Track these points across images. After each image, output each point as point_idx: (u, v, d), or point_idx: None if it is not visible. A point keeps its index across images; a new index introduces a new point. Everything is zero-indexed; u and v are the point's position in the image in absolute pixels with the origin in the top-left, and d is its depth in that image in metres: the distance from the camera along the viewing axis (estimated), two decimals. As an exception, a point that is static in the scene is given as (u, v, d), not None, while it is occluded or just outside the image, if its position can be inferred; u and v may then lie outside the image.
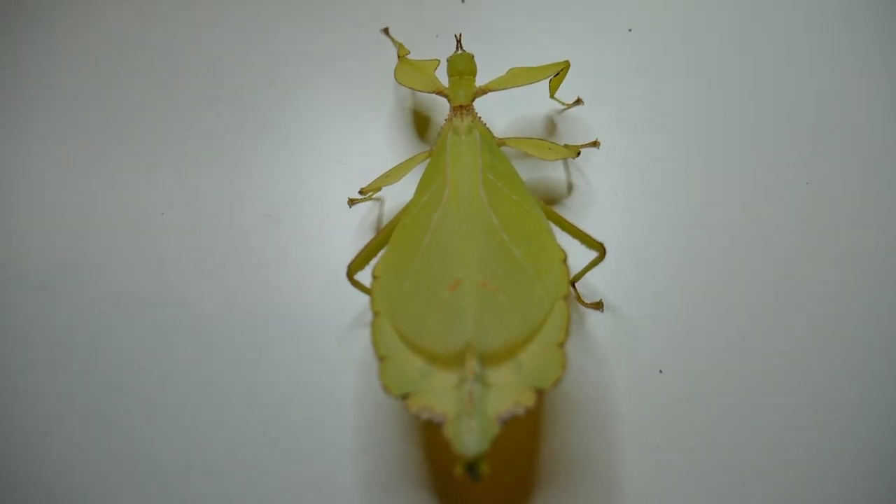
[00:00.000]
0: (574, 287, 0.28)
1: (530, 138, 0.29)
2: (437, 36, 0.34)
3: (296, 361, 0.28)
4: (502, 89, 0.29)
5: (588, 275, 0.27)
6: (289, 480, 0.26)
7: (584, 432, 0.26)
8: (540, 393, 0.21)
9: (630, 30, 0.33)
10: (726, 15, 0.34)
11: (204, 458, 0.26)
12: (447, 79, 0.29)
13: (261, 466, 0.26)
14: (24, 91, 0.34)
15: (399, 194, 0.30)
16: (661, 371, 0.27)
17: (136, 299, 0.29)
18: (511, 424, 0.21)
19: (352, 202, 0.30)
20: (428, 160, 0.28)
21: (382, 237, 0.26)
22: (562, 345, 0.22)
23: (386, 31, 0.34)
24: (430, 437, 0.25)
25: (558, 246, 0.24)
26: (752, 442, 0.25)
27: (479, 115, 0.28)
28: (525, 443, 0.26)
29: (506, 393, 0.21)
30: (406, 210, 0.26)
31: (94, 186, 0.31)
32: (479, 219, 0.24)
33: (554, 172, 0.31)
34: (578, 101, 0.32)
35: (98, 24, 0.35)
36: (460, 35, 0.30)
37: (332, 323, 0.28)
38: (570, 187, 0.30)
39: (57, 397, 0.28)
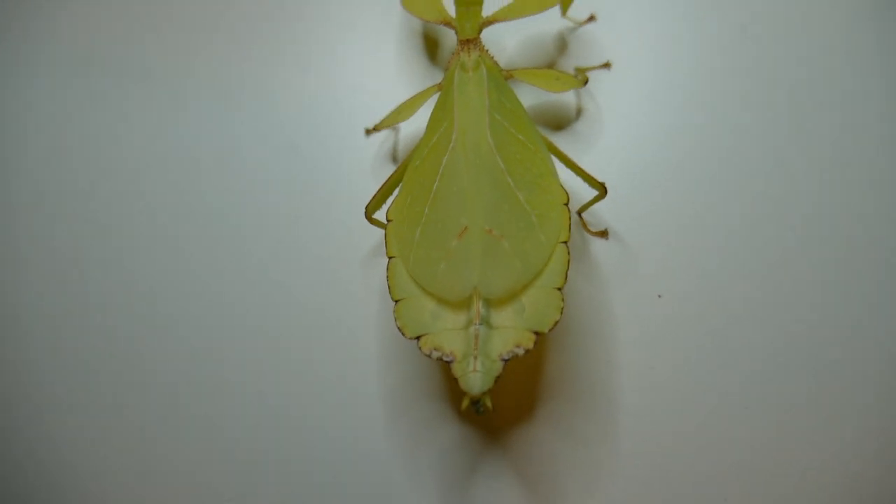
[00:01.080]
0: (580, 216, 0.29)
1: (538, 69, 0.29)
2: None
3: (323, 287, 0.30)
4: (511, 19, 0.29)
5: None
6: (318, 397, 0.29)
7: (586, 351, 0.28)
8: (539, 335, 0.23)
9: (648, -66, 0.32)
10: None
11: (237, 378, 0.30)
12: (453, 7, 0.29)
13: (290, 388, 0.29)
14: (33, 29, 0.35)
15: (413, 122, 0.31)
16: (659, 296, 0.29)
17: (161, 230, 0.31)
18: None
19: (368, 132, 0.31)
20: (437, 95, 0.28)
21: (396, 177, 0.28)
22: (560, 289, 0.24)
23: (393, -57, 0.33)
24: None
25: (561, 188, 0.25)
26: (739, 366, 0.28)
27: (486, 47, 0.28)
28: (531, 360, 0.28)
29: (508, 335, 0.23)
30: (417, 150, 0.27)
31: (108, 121, 0.33)
32: (485, 164, 0.25)
33: (562, 96, 0.31)
34: (592, 18, 0.32)
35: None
36: (467, -40, 0.29)
37: (356, 250, 0.30)
38: (578, 112, 0.31)
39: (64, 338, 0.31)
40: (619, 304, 0.29)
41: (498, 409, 0.28)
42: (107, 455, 0.29)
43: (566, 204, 0.25)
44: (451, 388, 0.28)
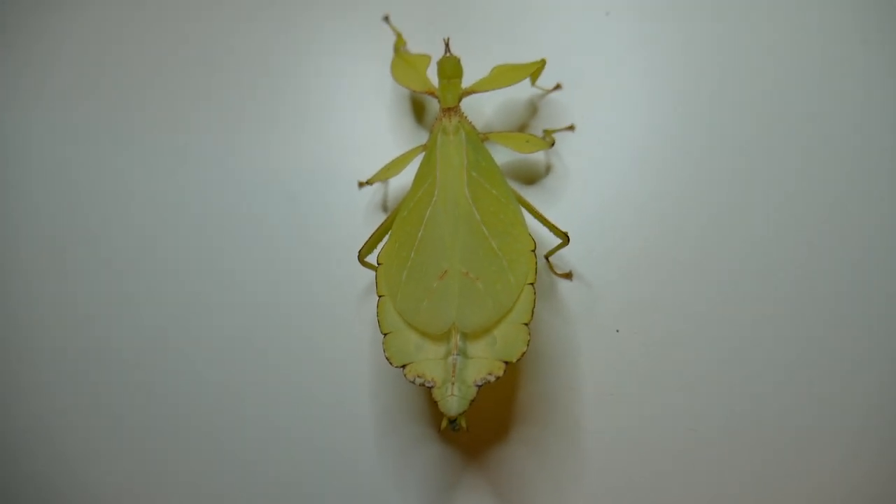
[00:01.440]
0: (548, 260, 0.33)
1: (510, 133, 0.33)
2: (432, 24, 0.37)
3: (320, 321, 0.34)
4: (486, 91, 0.33)
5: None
6: (315, 418, 0.32)
7: (553, 379, 0.32)
8: (508, 364, 0.27)
9: (607, 13, 0.37)
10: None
11: (243, 398, 0.33)
12: (437, 79, 0.33)
13: (290, 410, 0.33)
14: (46, 86, 0.39)
15: (401, 177, 0.35)
16: (617, 330, 0.32)
17: (168, 268, 0.35)
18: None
19: (361, 185, 0.35)
20: (423, 154, 0.32)
21: (386, 226, 0.31)
22: (527, 324, 0.28)
23: (386, 18, 0.38)
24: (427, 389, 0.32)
25: (529, 236, 0.29)
26: (687, 391, 0.31)
27: (465, 113, 0.32)
28: (505, 387, 0.32)
29: (481, 364, 0.27)
30: (405, 202, 0.31)
31: (130, 173, 0.37)
32: (463, 215, 0.29)
33: (534, 154, 0.35)
34: (558, 87, 0.36)
35: (123, 19, 0.39)
36: (448, 39, 0.33)
37: (349, 288, 0.34)
38: (547, 169, 0.35)
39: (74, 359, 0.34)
40: (582, 338, 0.32)
41: (475, 429, 0.31)
42: (110, 464, 0.33)
43: (533, 250, 0.29)
44: (432, 411, 0.32)
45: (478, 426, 0.31)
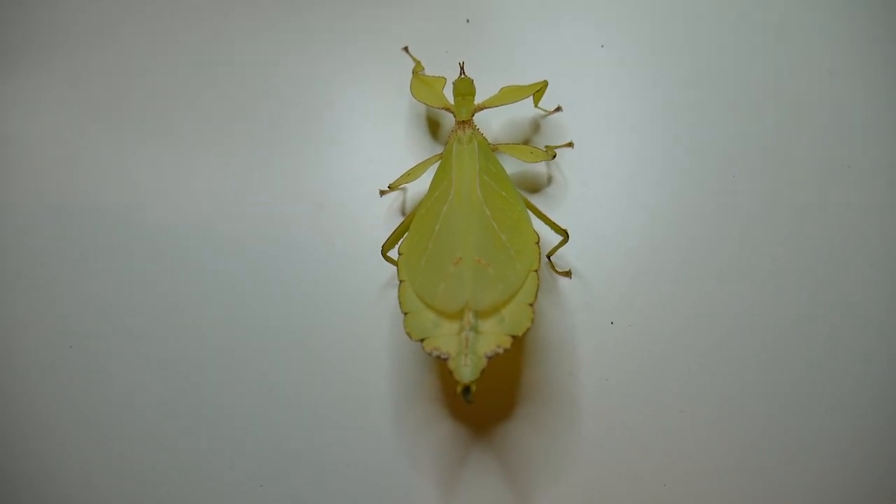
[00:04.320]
0: (549, 259, 0.37)
1: (516, 144, 0.37)
2: (446, 52, 0.42)
3: (344, 314, 0.37)
4: (495, 107, 0.37)
5: (561, 248, 0.36)
6: (338, 397, 0.36)
7: (554, 365, 0.35)
8: (514, 338, 0.30)
9: (602, 46, 0.41)
10: (685, 34, 0.42)
11: (270, 381, 0.36)
12: (452, 97, 0.37)
13: (316, 389, 0.36)
14: (90, 92, 0.43)
15: (417, 185, 0.39)
16: (612, 322, 0.36)
17: (211, 267, 0.39)
18: (500, 359, 0.29)
19: (382, 193, 0.39)
20: (439, 162, 0.36)
21: (406, 223, 0.35)
22: (532, 305, 0.31)
23: (406, 49, 0.42)
24: (440, 367, 0.35)
25: (534, 231, 0.33)
26: (675, 377, 0.35)
27: (477, 126, 0.37)
28: (511, 371, 0.35)
29: (491, 338, 0.30)
30: (422, 202, 0.35)
31: (171, 179, 0.41)
32: (475, 212, 0.33)
33: (537, 167, 0.39)
34: (558, 109, 0.40)
35: (164, 40, 0.44)
36: (463, 63, 0.38)
37: (370, 284, 0.37)
38: (549, 179, 0.39)
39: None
40: (580, 329, 0.36)
41: (484, 408, 0.34)
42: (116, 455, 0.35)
43: (537, 243, 0.32)
44: (444, 392, 0.35)
45: (486, 406, 0.34)
